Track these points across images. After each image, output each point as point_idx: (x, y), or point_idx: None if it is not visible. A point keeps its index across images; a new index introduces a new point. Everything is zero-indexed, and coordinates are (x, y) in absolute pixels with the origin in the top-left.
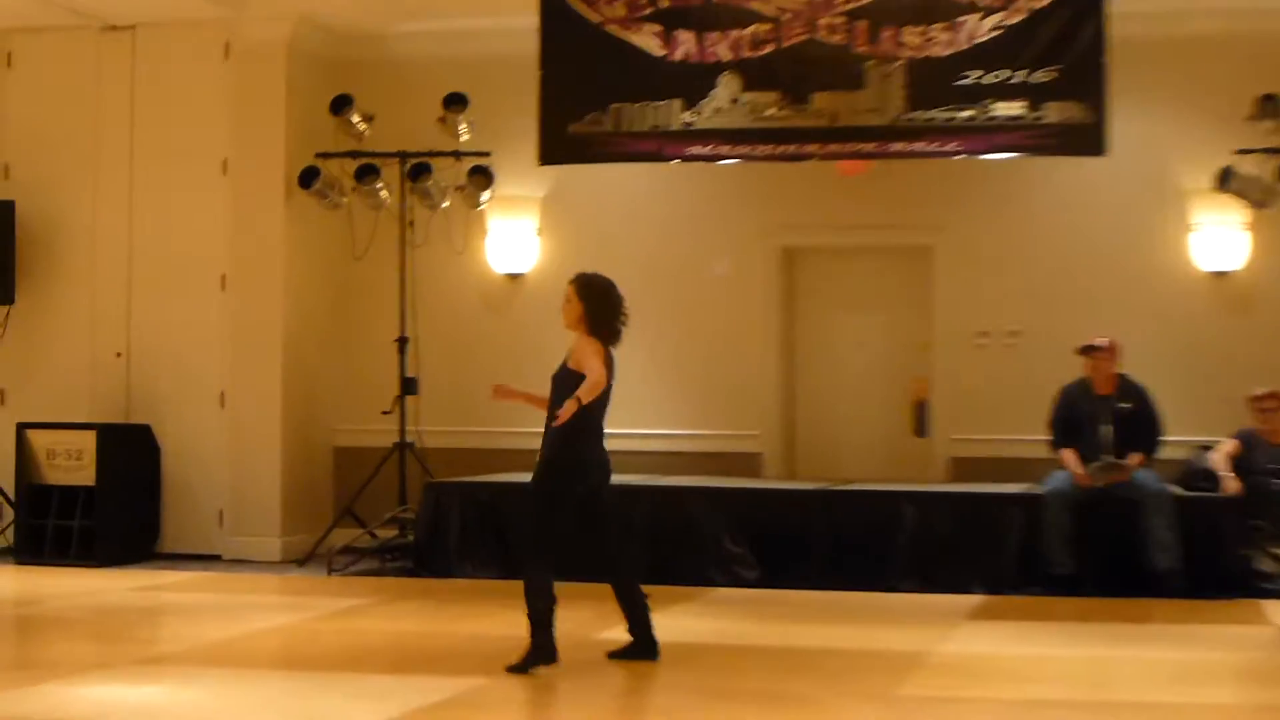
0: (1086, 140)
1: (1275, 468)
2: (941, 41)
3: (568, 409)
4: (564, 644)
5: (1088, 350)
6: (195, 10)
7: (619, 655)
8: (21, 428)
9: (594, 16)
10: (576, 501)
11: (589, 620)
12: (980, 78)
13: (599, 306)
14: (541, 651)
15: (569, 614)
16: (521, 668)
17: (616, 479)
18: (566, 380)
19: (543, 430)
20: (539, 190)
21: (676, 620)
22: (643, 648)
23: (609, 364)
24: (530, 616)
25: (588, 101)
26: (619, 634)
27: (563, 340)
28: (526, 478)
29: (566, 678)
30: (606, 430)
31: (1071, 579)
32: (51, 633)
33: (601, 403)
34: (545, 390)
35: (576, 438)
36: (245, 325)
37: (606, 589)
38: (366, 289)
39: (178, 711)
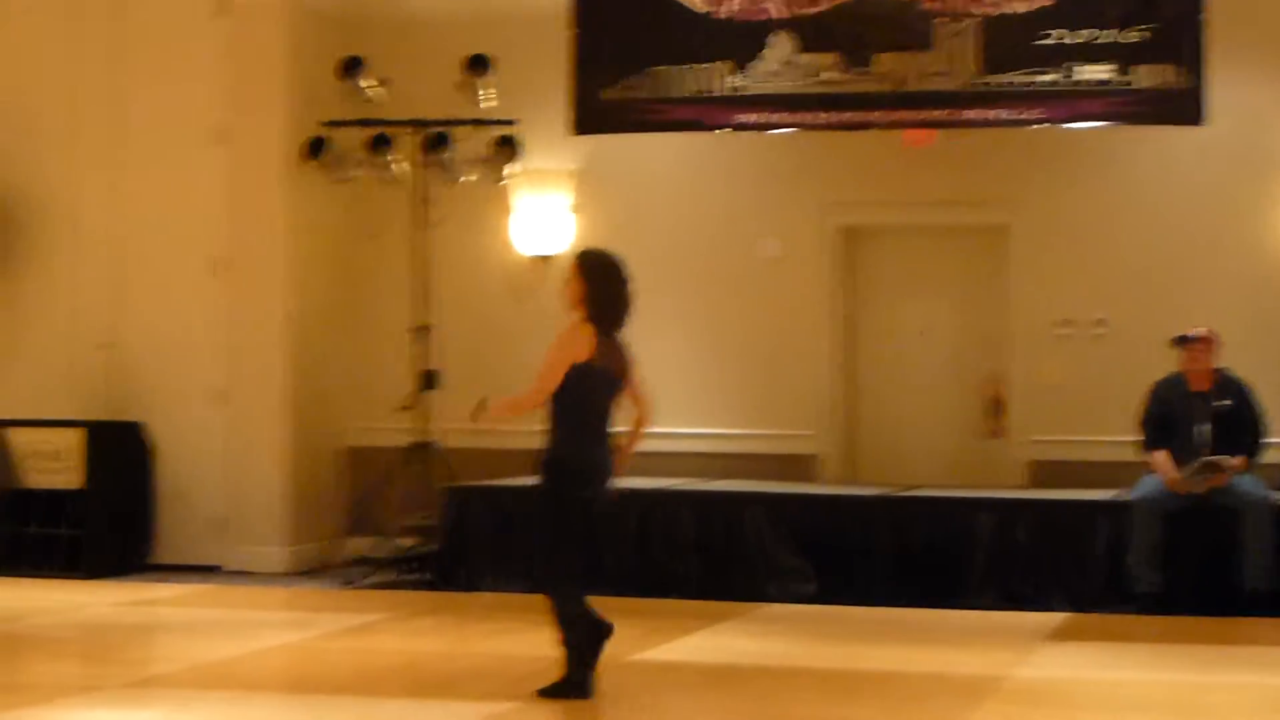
0: (1181, 108)
1: None
2: None
3: (483, 411)
4: (600, 663)
5: (1182, 342)
6: None
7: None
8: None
9: None
10: (582, 508)
11: (626, 639)
12: (1063, 38)
13: (596, 288)
14: (576, 689)
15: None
16: (552, 693)
17: (658, 483)
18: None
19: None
20: (570, 163)
21: (725, 639)
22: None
23: (609, 352)
24: (563, 646)
25: (624, 64)
26: (657, 653)
27: None
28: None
29: (602, 702)
30: (624, 426)
31: (1158, 597)
32: (33, 652)
33: (595, 397)
34: None
35: (570, 439)
36: (245, 313)
37: (645, 605)
38: (379, 272)
39: None
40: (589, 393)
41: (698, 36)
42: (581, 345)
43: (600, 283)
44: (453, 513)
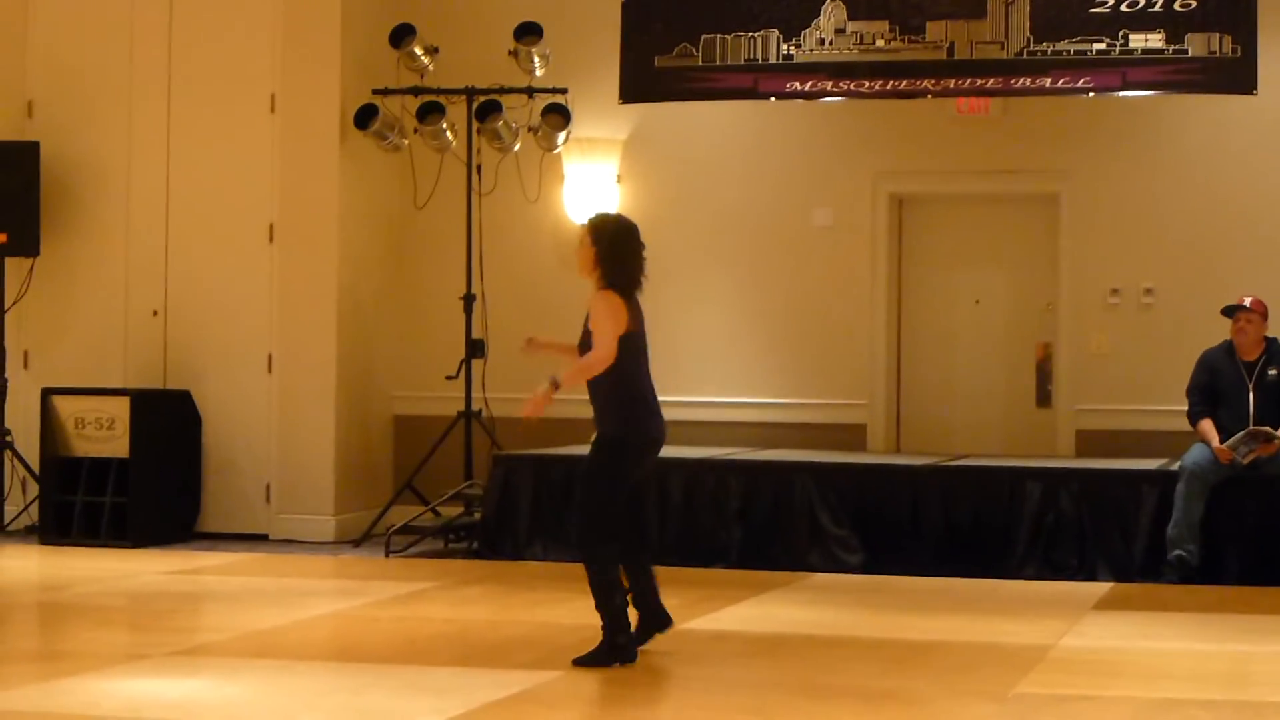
0: (1233, 76)
1: None
2: None
3: (551, 392)
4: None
5: (1232, 311)
6: None
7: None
8: (47, 394)
9: None
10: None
11: (673, 608)
12: (1115, 6)
13: (616, 252)
14: (621, 651)
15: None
16: (587, 661)
17: (704, 452)
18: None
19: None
20: (621, 132)
21: (771, 609)
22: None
23: (638, 316)
24: (601, 612)
25: (676, 32)
26: (704, 622)
27: (648, 298)
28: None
29: (645, 672)
30: (692, 398)
31: (1192, 564)
32: (81, 621)
33: (642, 365)
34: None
35: (631, 414)
36: (295, 281)
37: (691, 574)
38: (429, 241)
39: (219, 707)
40: (637, 362)
41: (750, 4)
42: (622, 314)
43: (620, 247)
44: (499, 481)
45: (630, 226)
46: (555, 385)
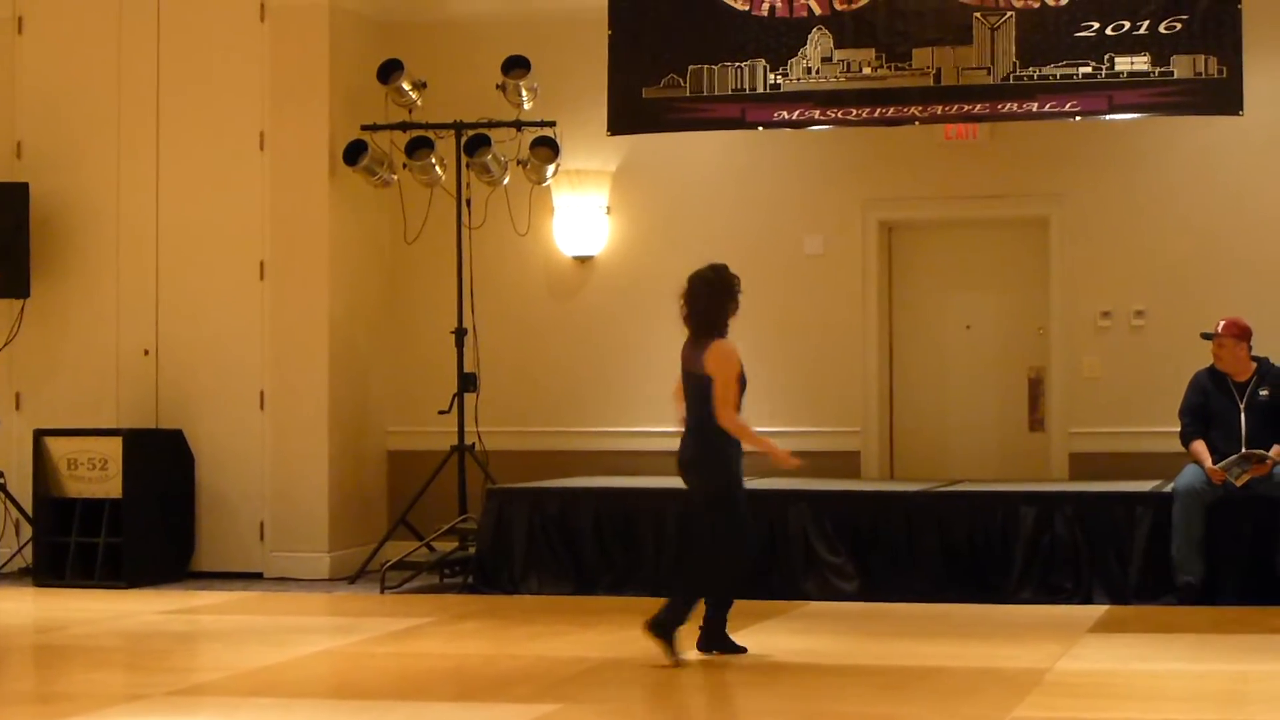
0: (1219, 98)
1: None
2: None
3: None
4: (644, 660)
5: (1209, 336)
6: None
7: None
8: (39, 435)
9: None
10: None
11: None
12: (1100, 30)
13: (722, 304)
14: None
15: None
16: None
17: None
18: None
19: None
20: (610, 164)
21: (767, 637)
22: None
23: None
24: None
25: (663, 63)
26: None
27: (640, 329)
28: (599, 483)
29: (644, 704)
30: (665, 426)
31: (1200, 587)
32: (76, 662)
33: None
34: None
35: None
36: (286, 317)
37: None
38: (420, 275)
39: None
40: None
41: (737, 35)
42: (736, 361)
43: (723, 299)
44: (493, 515)
45: (732, 279)
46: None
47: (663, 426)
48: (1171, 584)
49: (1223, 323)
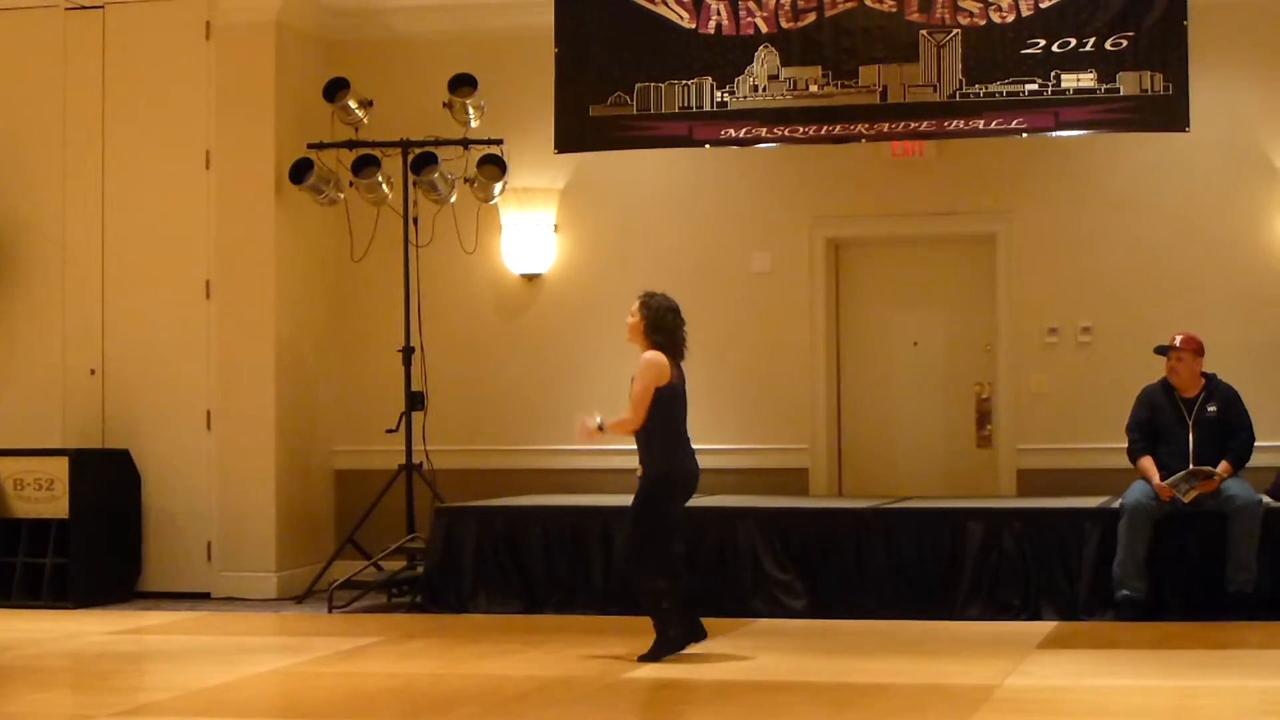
0: (1166, 114)
1: None
2: (1003, 7)
3: (596, 431)
4: (592, 678)
5: (1164, 350)
6: None
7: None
8: None
9: None
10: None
11: (618, 657)
12: (1046, 47)
13: (661, 323)
14: (671, 643)
15: (596, 649)
16: (650, 657)
17: None
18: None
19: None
20: (557, 181)
21: (715, 655)
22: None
23: (679, 373)
24: (653, 616)
25: (610, 81)
26: (651, 670)
27: (586, 345)
28: (547, 501)
29: (590, 718)
30: (614, 445)
31: (1141, 603)
32: (23, 682)
33: (680, 414)
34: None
35: (671, 454)
36: (233, 336)
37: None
38: (367, 294)
39: None
40: (677, 411)
41: (684, 53)
42: (664, 371)
43: (666, 321)
44: (441, 534)
45: (674, 305)
46: (600, 428)
47: (610, 445)
48: (1115, 599)
49: (1180, 337)
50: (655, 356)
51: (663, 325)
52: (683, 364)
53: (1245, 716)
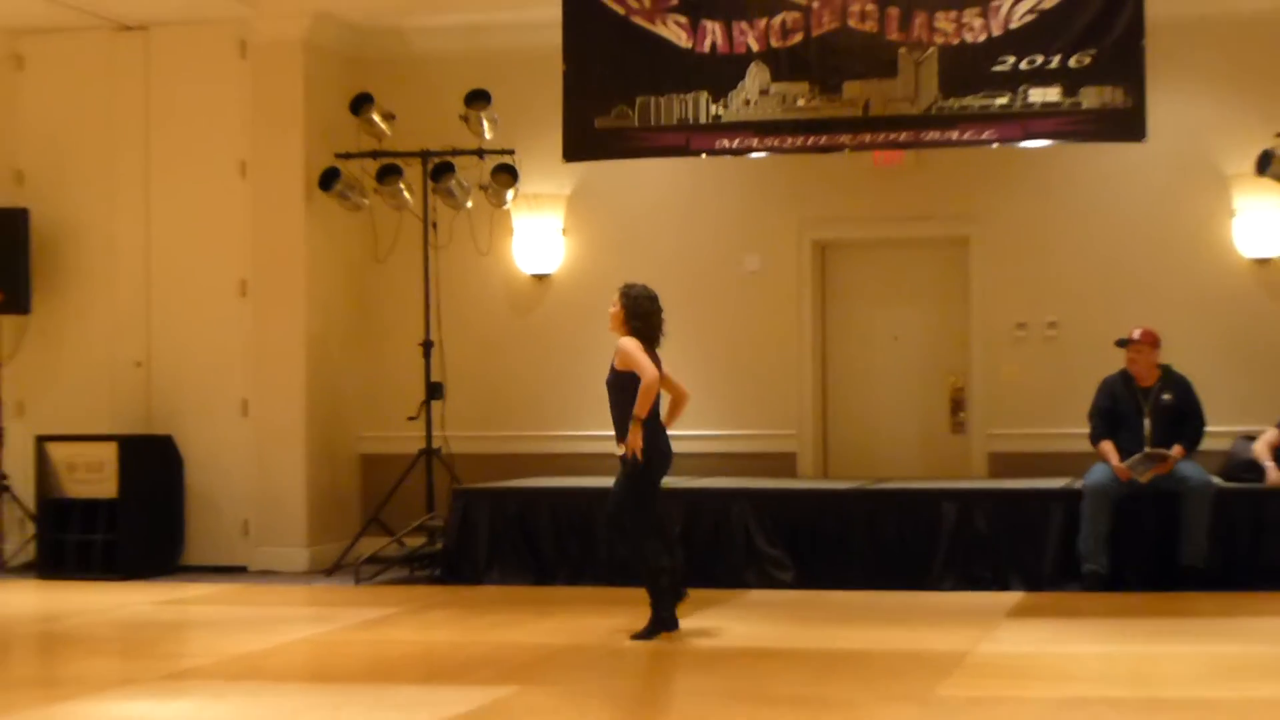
0: (1125, 126)
1: None
2: (975, 27)
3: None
4: (597, 645)
5: (1125, 342)
6: (210, 9)
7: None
8: (41, 440)
9: (618, 8)
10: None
11: (621, 626)
12: (1015, 64)
13: (638, 312)
14: (664, 624)
15: (602, 619)
16: (644, 635)
17: None
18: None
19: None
20: (564, 188)
21: (709, 623)
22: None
23: (655, 359)
24: (650, 592)
25: (613, 95)
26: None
27: (591, 340)
28: (556, 483)
29: (594, 684)
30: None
31: (1105, 577)
32: (75, 649)
33: (657, 398)
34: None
35: (650, 433)
36: (267, 331)
37: (637, 594)
38: (390, 292)
39: None
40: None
41: (681, 69)
42: (641, 349)
43: (642, 308)
44: (459, 513)
45: (651, 294)
46: (638, 419)
47: (614, 431)
48: (1080, 573)
49: (1139, 331)
50: (629, 340)
51: (640, 311)
52: (659, 350)
53: (1198, 679)
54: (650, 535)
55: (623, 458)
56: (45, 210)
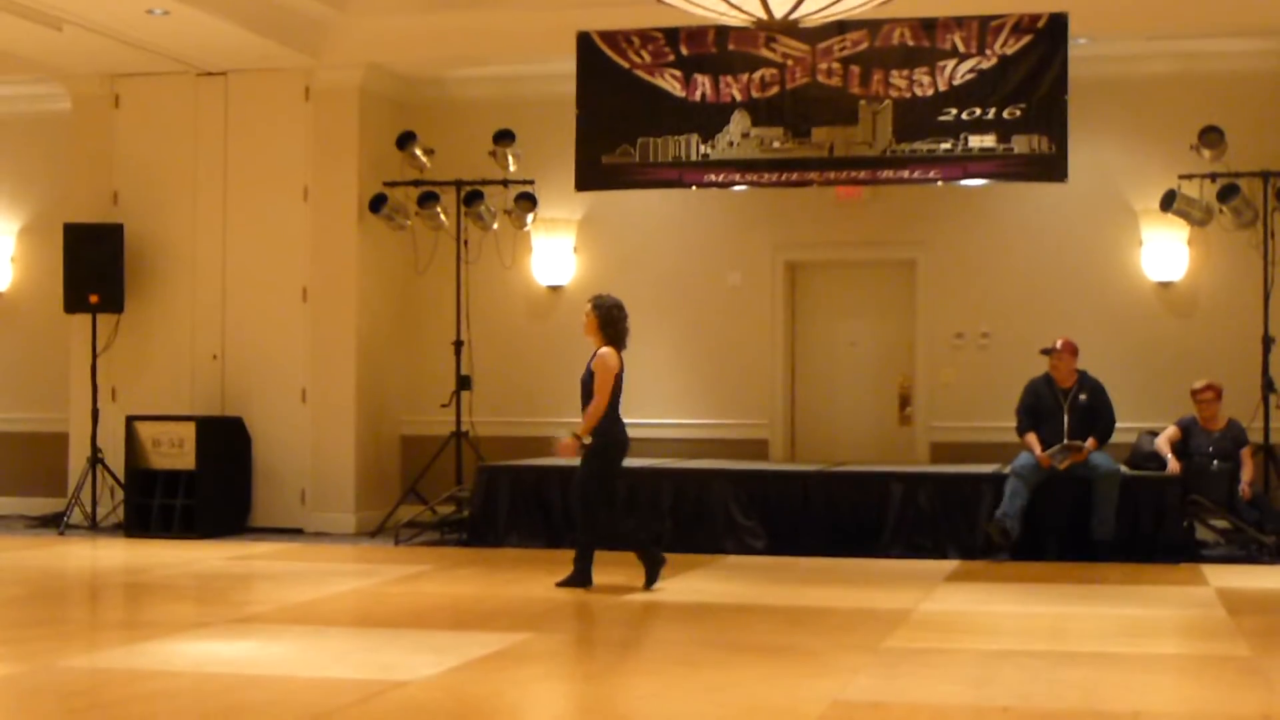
0: (1049, 168)
1: (1211, 451)
2: (924, 84)
3: (575, 443)
4: (599, 599)
5: (1047, 352)
6: (279, 59)
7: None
8: (131, 420)
9: (624, 62)
10: (617, 467)
11: (618, 583)
12: (957, 115)
13: (610, 321)
14: (582, 578)
15: (601, 577)
16: (567, 583)
17: (645, 462)
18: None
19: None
20: (576, 213)
21: (693, 583)
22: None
23: (622, 363)
24: (634, 549)
25: (618, 136)
26: (642, 594)
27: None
28: (566, 461)
29: (597, 632)
30: (635, 419)
31: (1013, 539)
32: (157, 597)
33: (620, 397)
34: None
35: (615, 427)
36: (323, 331)
37: (631, 557)
38: (428, 299)
39: (266, 663)
40: (618, 391)
41: (676, 115)
42: (618, 363)
43: (612, 316)
44: (483, 486)
45: (619, 304)
46: (577, 437)
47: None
48: (994, 540)
49: (1061, 341)
50: (609, 352)
51: (610, 319)
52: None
53: (1107, 636)
54: (606, 507)
55: (590, 444)
56: (137, 226)
